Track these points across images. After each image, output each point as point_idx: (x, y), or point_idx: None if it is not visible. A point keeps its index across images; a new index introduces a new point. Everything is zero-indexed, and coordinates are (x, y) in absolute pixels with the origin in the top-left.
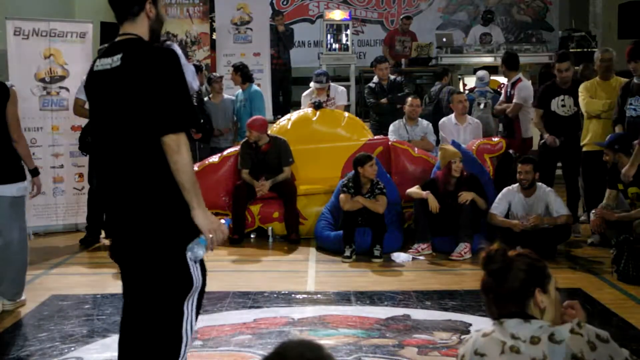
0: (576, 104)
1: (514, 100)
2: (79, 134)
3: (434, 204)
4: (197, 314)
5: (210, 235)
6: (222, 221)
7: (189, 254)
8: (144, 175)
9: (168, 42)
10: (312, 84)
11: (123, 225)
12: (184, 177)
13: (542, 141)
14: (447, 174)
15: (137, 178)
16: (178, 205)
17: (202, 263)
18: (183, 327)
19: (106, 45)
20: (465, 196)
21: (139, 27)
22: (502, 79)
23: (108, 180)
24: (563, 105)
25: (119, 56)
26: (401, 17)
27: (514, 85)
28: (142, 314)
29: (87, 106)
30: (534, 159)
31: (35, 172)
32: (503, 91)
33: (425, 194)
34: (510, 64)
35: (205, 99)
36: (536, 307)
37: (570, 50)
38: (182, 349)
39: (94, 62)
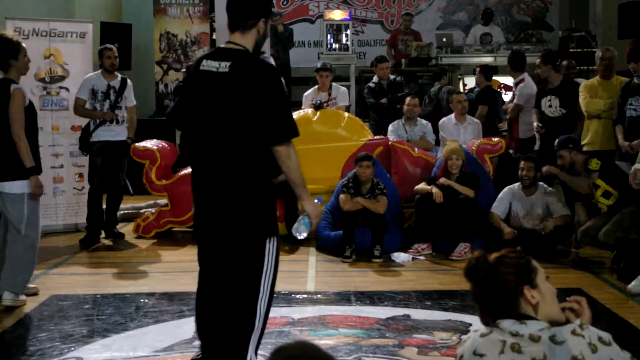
0: (562, 105)
1: (514, 101)
2: (79, 134)
3: (438, 194)
4: (271, 296)
5: (315, 220)
6: (316, 200)
7: (294, 232)
8: (240, 172)
9: (265, 55)
10: (316, 75)
11: (217, 213)
12: (294, 176)
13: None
14: (445, 170)
15: (234, 174)
16: (265, 199)
17: (277, 253)
18: (258, 304)
19: (212, 49)
20: (460, 188)
21: (248, 40)
22: (503, 79)
23: (203, 172)
24: (550, 106)
25: (228, 63)
26: (402, 14)
27: (517, 85)
28: (223, 289)
29: (87, 106)
30: (536, 158)
31: (29, 172)
32: (512, 92)
33: (430, 188)
34: (514, 64)
35: None
36: (528, 304)
37: (570, 50)
38: (256, 324)
39: (200, 60)
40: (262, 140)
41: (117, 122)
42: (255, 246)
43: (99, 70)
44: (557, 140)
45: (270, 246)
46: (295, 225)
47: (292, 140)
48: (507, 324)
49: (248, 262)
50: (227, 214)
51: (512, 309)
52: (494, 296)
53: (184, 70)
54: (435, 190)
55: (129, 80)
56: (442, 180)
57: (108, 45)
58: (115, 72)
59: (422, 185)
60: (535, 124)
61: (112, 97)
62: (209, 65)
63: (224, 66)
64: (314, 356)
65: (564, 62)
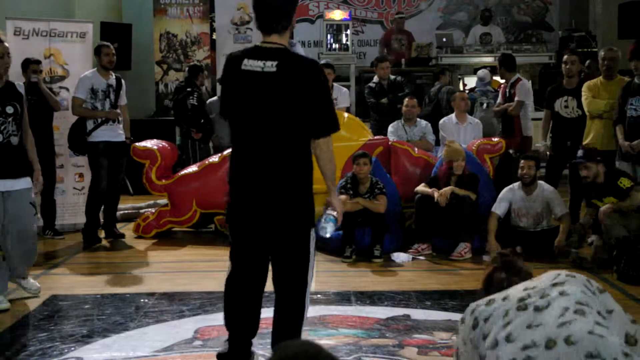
0: (580, 106)
1: (516, 99)
2: None
3: (442, 200)
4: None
5: (341, 216)
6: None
7: (322, 231)
8: (293, 165)
9: (292, 41)
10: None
11: (272, 205)
12: (330, 168)
13: (539, 144)
14: (449, 171)
15: (288, 167)
16: (311, 190)
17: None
18: (306, 294)
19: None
20: (458, 191)
21: (284, 39)
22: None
23: (253, 168)
24: (566, 107)
25: (274, 63)
26: (394, 15)
27: (513, 85)
28: (277, 282)
29: (86, 105)
30: (537, 156)
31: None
32: (501, 92)
33: (431, 191)
34: (508, 65)
35: (213, 98)
36: None
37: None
38: (304, 315)
39: (239, 60)
40: (308, 134)
41: (118, 122)
42: (305, 236)
43: (94, 69)
44: (580, 151)
45: (312, 236)
46: (321, 224)
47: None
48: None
49: (300, 252)
50: (284, 205)
51: None
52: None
53: (186, 68)
54: (437, 194)
55: (122, 79)
56: (446, 190)
57: (105, 43)
58: (110, 71)
59: (423, 187)
60: (538, 145)
61: (112, 96)
62: (252, 65)
63: (270, 65)
64: (315, 354)
65: (587, 62)
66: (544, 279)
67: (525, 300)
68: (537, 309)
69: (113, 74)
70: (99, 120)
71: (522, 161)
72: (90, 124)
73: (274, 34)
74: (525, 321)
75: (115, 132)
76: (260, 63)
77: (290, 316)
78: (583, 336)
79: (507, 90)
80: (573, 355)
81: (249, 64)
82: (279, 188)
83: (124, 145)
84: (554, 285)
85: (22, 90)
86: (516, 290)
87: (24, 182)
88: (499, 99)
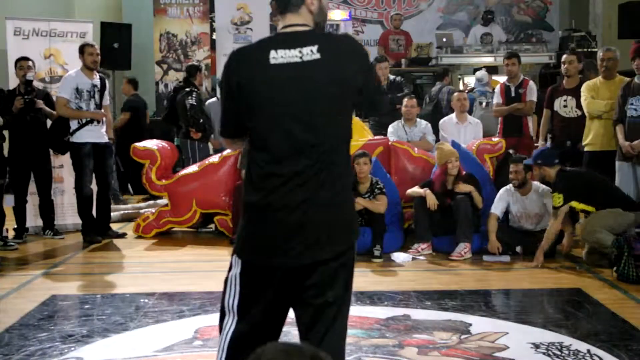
0: (579, 106)
1: (529, 99)
2: None
3: (432, 201)
4: None
5: None
6: None
7: None
8: (346, 170)
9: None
10: None
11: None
12: None
13: (538, 145)
14: (444, 173)
15: (341, 173)
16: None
17: None
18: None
19: (269, 36)
20: (463, 187)
21: (305, 18)
22: (503, 79)
23: (295, 178)
24: (565, 106)
25: (314, 48)
26: (391, 15)
27: (522, 85)
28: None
29: (70, 105)
30: (525, 158)
31: None
32: (499, 92)
33: (423, 191)
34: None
35: (212, 99)
36: None
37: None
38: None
39: (261, 54)
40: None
41: (102, 123)
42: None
43: (77, 69)
44: (534, 153)
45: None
46: None
47: None
48: None
49: (349, 275)
50: (337, 222)
51: None
52: None
53: (184, 69)
54: (428, 196)
55: (106, 79)
56: (432, 200)
57: (90, 42)
58: (94, 71)
59: (414, 189)
60: (541, 143)
61: (97, 97)
62: (286, 55)
63: (309, 52)
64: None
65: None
66: None
67: None
68: None
69: (97, 74)
70: (84, 120)
71: (510, 165)
72: (74, 124)
73: (288, 14)
74: None
75: (100, 134)
76: (295, 52)
77: None
78: None
79: (513, 90)
80: None
81: (282, 55)
82: (334, 202)
83: (109, 146)
84: None
85: None
86: None
87: None
88: (497, 99)
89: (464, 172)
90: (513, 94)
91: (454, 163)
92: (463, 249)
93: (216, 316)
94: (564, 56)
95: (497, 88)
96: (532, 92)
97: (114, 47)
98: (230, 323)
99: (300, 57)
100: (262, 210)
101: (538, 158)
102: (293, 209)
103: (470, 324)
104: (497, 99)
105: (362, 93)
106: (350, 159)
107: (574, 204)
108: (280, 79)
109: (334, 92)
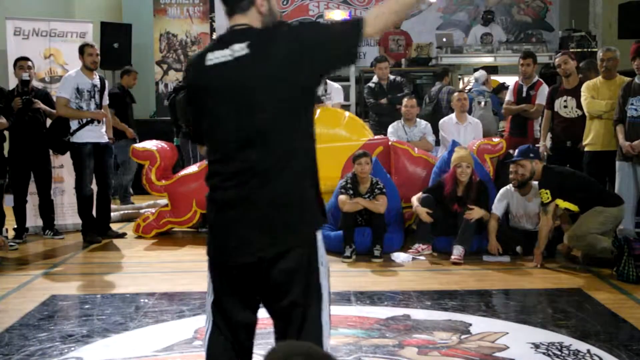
0: (579, 106)
1: (539, 101)
2: None
3: (423, 215)
4: None
5: None
6: None
7: None
8: (302, 157)
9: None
10: None
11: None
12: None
13: (538, 145)
14: (453, 178)
15: (295, 163)
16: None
17: None
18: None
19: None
20: (473, 215)
21: (253, 19)
22: (503, 79)
23: (246, 176)
24: (565, 106)
25: (243, 44)
26: None
27: (533, 86)
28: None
29: (71, 105)
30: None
31: None
32: (512, 91)
33: (414, 207)
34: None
35: None
36: None
37: (570, 50)
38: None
39: (200, 58)
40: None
41: (102, 123)
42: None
43: (77, 69)
44: (517, 150)
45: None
46: None
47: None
48: None
49: (308, 275)
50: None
51: None
52: None
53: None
54: (420, 212)
55: (105, 80)
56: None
57: (89, 42)
58: (94, 71)
59: (414, 200)
60: (541, 146)
61: (97, 97)
62: (218, 56)
63: (239, 49)
64: (303, 353)
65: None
66: None
67: None
68: None
69: (97, 74)
70: (84, 120)
71: (510, 165)
72: (74, 124)
73: (236, 16)
74: None
75: (100, 134)
76: (227, 51)
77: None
78: None
79: (525, 90)
80: None
81: (215, 57)
82: (290, 195)
83: (109, 146)
84: None
85: None
86: None
87: None
88: (510, 97)
89: (477, 178)
90: (524, 94)
91: (464, 169)
92: (462, 251)
93: None
94: (556, 60)
95: (511, 86)
96: (543, 95)
97: (113, 47)
98: (207, 327)
99: (232, 55)
100: (211, 208)
101: (530, 152)
102: (232, 207)
103: (470, 324)
104: (509, 96)
105: (318, 51)
106: (314, 151)
107: (557, 201)
108: (216, 79)
109: (270, 84)
